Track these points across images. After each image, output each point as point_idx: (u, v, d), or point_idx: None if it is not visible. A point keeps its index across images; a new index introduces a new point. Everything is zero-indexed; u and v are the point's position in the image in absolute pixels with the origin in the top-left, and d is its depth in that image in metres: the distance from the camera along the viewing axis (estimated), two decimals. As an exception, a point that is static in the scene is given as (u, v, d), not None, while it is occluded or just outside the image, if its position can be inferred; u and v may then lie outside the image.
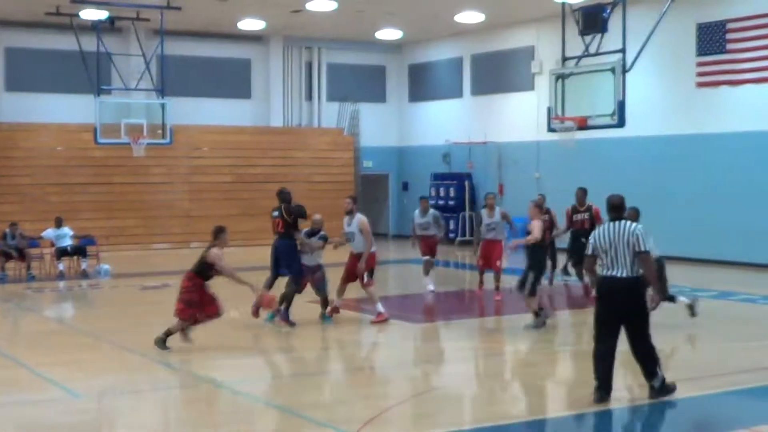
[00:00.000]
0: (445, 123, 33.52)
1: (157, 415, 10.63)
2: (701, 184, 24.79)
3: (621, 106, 17.19)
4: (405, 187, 35.46)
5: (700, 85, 24.87)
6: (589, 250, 10.66)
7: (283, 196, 16.89)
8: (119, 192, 30.20)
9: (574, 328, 16.40)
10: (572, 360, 13.72)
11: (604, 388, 10.35)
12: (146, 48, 27.33)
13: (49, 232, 23.41)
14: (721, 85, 24.44)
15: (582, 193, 20.11)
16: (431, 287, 19.90)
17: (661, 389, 10.47)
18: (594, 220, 18.84)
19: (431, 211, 20.12)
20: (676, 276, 22.02)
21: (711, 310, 17.53)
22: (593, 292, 16.78)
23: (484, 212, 19.00)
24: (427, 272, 20.01)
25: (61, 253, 23.22)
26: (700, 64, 24.85)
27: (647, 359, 10.49)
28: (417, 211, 20.02)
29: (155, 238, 30.57)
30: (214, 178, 31.61)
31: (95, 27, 25.70)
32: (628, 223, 10.60)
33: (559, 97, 18.36)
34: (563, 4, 19.54)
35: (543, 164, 29.25)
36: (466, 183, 31.87)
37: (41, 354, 13.84)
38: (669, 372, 11.34)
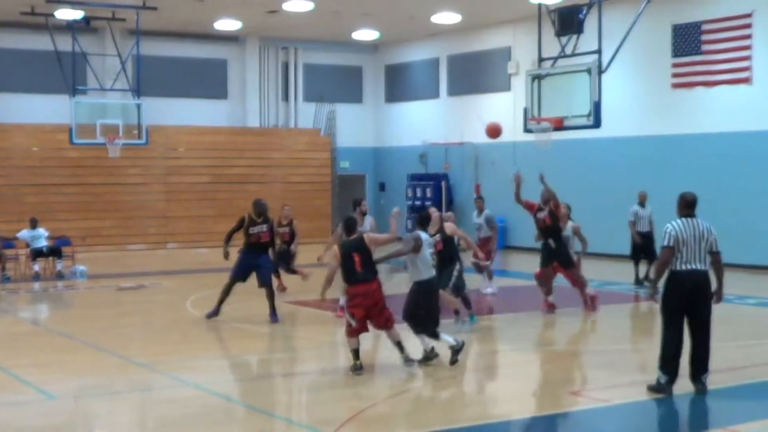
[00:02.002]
0: (421, 123, 33.56)
1: (134, 416, 10.59)
2: (676, 184, 24.65)
3: (597, 107, 17.24)
4: (382, 187, 35.48)
5: (676, 86, 25.00)
6: (670, 242, 10.79)
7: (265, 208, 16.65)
8: (95, 192, 30.08)
9: (555, 328, 16.44)
10: (551, 359, 13.75)
11: (670, 374, 10.74)
12: (122, 48, 27.26)
13: (24, 233, 23.27)
14: (696, 86, 24.58)
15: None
16: (489, 290, 19.50)
17: (706, 380, 10.90)
18: (555, 218, 18.02)
19: (485, 211, 20.09)
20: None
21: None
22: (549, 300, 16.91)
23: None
24: (480, 272, 19.69)
25: (37, 254, 23.08)
26: (675, 65, 24.97)
27: (705, 354, 10.93)
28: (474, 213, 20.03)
29: (131, 239, 30.47)
30: (190, 179, 31.53)
31: (70, 27, 25.62)
32: (702, 220, 10.99)
33: (536, 98, 18.39)
34: (539, 5, 19.60)
35: (519, 165, 29.21)
36: (443, 184, 31.91)
37: (16, 356, 13.76)
38: (647, 373, 11.39)
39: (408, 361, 12.23)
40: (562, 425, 10.10)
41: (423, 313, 12.23)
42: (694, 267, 10.75)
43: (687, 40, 24.59)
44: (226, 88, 33.43)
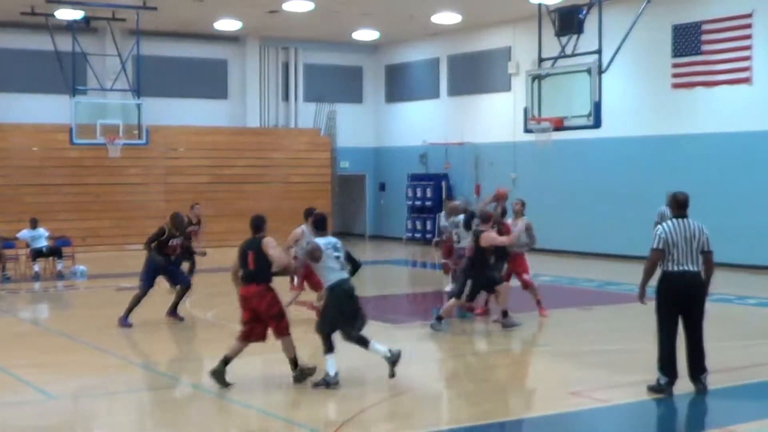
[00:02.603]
0: (421, 124, 33.55)
1: (134, 416, 10.58)
2: (676, 184, 24.63)
3: (597, 107, 17.25)
4: (382, 187, 35.47)
5: (676, 86, 25.00)
6: (659, 245, 10.84)
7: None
8: (95, 193, 30.08)
9: (554, 328, 16.44)
10: (551, 359, 13.75)
11: (669, 376, 10.79)
12: (122, 48, 27.26)
13: (25, 233, 23.26)
14: (696, 86, 24.57)
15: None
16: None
17: (706, 379, 10.90)
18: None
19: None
20: (653, 276, 22.13)
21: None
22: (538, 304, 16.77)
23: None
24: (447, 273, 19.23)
25: (37, 254, 23.08)
26: (675, 66, 24.97)
27: (700, 352, 10.99)
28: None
29: (131, 239, 30.34)
30: (190, 179, 31.52)
31: (71, 27, 25.63)
32: (694, 221, 11.03)
33: (536, 98, 18.40)
34: (539, 5, 19.60)
35: (519, 165, 29.30)
36: (443, 184, 31.90)
37: (16, 355, 13.75)
38: (647, 373, 11.39)
39: (299, 378, 11.65)
40: (562, 425, 10.09)
41: (342, 320, 11.64)
42: (685, 268, 10.80)
43: (687, 40, 24.59)
44: (227, 88, 33.42)
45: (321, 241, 11.70)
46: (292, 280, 16.54)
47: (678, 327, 10.94)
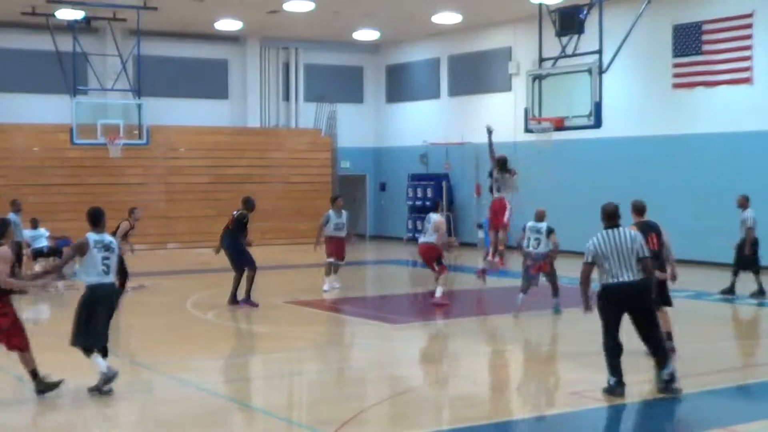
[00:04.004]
0: (422, 124, 33.55)
1: (134, 416, 10.59)
2: (677, 184, 24.90)
3: (597, 107, 17.26)
4: (382, 187, 35.47)
5: (676, 86, 24.99)
6: (588, 258, 10.82)
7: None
8: (95, 193, 30.00)
9: (554, 328, 16.45)
10: (551, 359, 13.76)
11: (619, 379, 10.75)
12: (123, 48, 27.27)
13: (25, 233, 23.23)
14: (696, 86, 24.57)
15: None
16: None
17: (672, 378, 10.78)
18: None
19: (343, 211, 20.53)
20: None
21: (686, 311, 17.63)
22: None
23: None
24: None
25: (37, 254, 23.07)
26: (676, 66, 24.97)
27: (661, 351, 10.90)
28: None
29: (133, 239, 30.40)
30: (190, 179, 31.52)
31: (71, 27, 25.64)
32: (626, 229, 10.94)
33: (536, 98, 18.41)
34: (540, 5, 19.61)
35: (520, 165, 29.20)
36: (444, 184, 31.90)
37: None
38: (647, 373, 11.39)
39: (41, 390, 10.96)
40: (562, 425, 10.09)
41: (83, 323, 11.13)
42: (621, 280, 10.67)
43: (688, 40, 24.59)
44: (227, 88, 33.42)
45: (93, 237, 11.11)
46: None
47: (619, 332, 10.90)
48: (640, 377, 11.66)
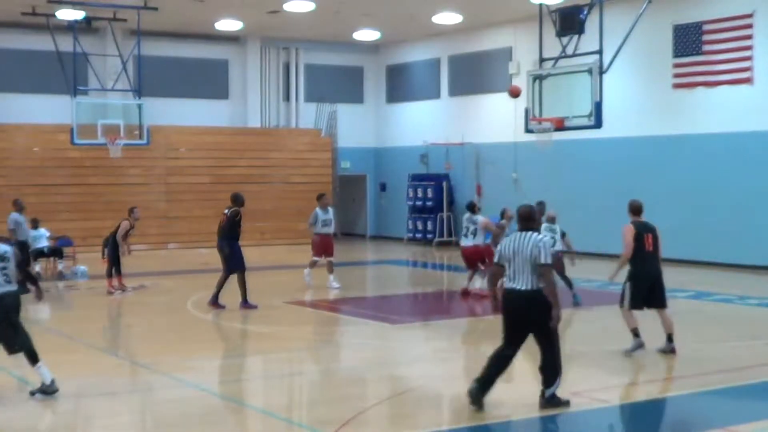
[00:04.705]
0: (422, 124, 33.55)
1: (134, 416, 10.59)
2: (677, 185, 24.91)
3: (598, 107, 17.27)
4: (383, 187, 35.47)
5: (677, 86, 24.99)
6: (495, 259, 10.43)
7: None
8: (96, 193, 30.07)
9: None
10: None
11: (481, 386, 10.21)
12: (123, 48, 27.27)
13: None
14: (697, 87, 24.56)
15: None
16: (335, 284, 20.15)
17: (551, 400, 10.27)
18: None
19: (329, 207, 20.97)
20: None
21: (687, 311, 17.64)
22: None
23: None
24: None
25: (38, 254, 23.06)
26: (676, 66, 24.96)
27: (548, 369, 10.32)
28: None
29: (132, 239, 30.39)
30: (191, 179, 31.52)
31: (72, 27, 25.62)
32: (534, 234, 10.16)
33: (537, 98, 18.43)
34: (540, 5, 19.62)
35: (520, 165, 29.32)
36: (444, 184, 31.91)
37: (16, 355, 13.74)
38: (647, 373, 11.39)
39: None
40: (562, 425, 10.09)
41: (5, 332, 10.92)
42: (512, 286, 10.11)
43: (688, 40, 24.59)
44: (227, 88, 33.42)
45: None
46: None
47: (518, 345, 10.50)
48: (639, 377, 11.66)
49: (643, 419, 10.29)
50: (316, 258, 20.46)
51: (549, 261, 9.91)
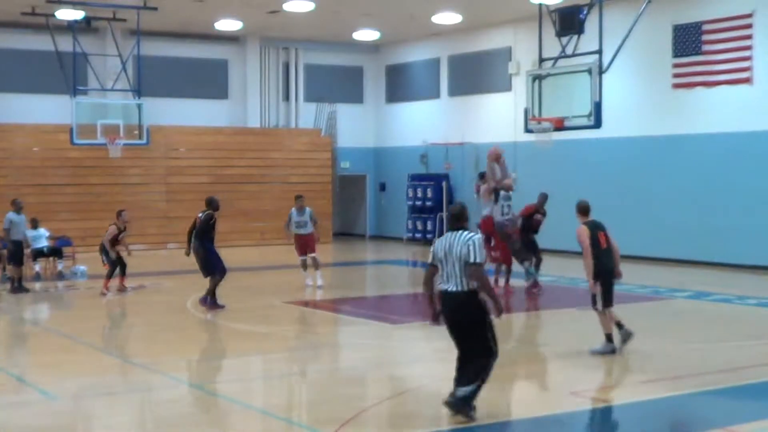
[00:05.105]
0: (422, 124, 33.55)
1: (134, 416, 10.59)
2: (677, 184, 24.91)
3: (597, 107, 17.26)
4: (382, 187, 35.47)
5: (676, 86, 24.98)
6: (429, 260, 9.94)
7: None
8: (96, 193, 30.06)
9: (554, 328, 16.45)
10: (551, 359, 13.75)
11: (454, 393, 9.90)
12: (123, 48, 27.26)
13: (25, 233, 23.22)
14: (696, 86, 24.56)
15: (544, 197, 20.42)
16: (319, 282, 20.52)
17: (460, 403, 9.77)
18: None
19: (306, 208, 20.82)
20: (653, 276, 22.16)
21: (687, 311, 17.66)
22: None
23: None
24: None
25: (37, 254, 23.08)
26: (676, 66, 24.95)
27: (470, 371, 9.86)
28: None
29: (132, 239, 30.31)
30: (191, 179, 31.51)
31: (71, 27, 25.61)
32: (465, 232, 9.77)
33: (536, 98, 18.41)
34: (540, 5, 19.62)
35: (520, 165, 29.28)
36: (444, 184, 31.91)
37: (17, 356, 13.76)
38: (647, 373, 11.39)
39: None
40: (562, 425, 10.09)
41: None
42: (445, 287, 9.73)
43: (687, 40, 24.59)
44: (227, 88, 33.42)
45: None
46: None
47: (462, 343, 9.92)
48: (638, 378, 11.67)
49: (643, 419, 10.28)
50: (302, 257, 20.53)
51: (480, 260, 9.55)
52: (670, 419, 10.43)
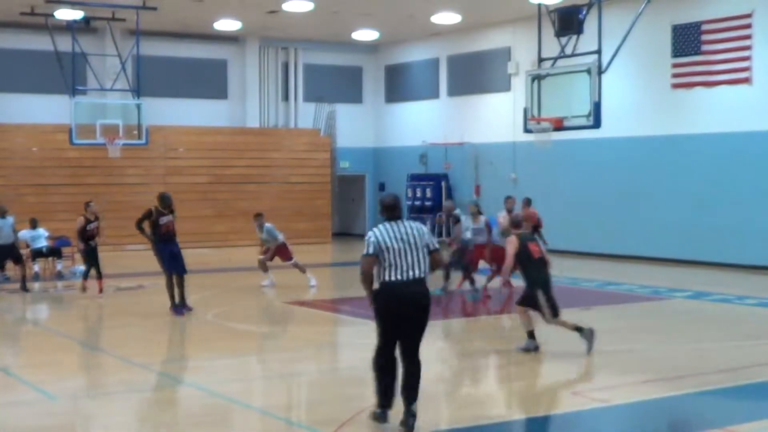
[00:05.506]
0: (421, 124, 33.55)
1: (134, 416, 10.58)
2: (676, 185, 24.91)
3: (597, 107, 17.27)
4: (382, 187, 35.46)
5: (676, 86, 24.98)
6: (370, 250, 9.26)
7: (169, 201, 17.17)
8: (94, 193, 29.86)
9: (554, 328, 16.44)
10: (551, 359, 13.75)
11: (387, 406, 9.50)
12: (122, 48, 27.26)
13: (24, 233, 23.22)
14: (696, 86, 24.56)
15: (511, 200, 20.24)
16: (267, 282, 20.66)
17: (413, 421, 9.39)
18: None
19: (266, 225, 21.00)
20: (653, 276, 22.16)
21: (686, 311, 17.66)
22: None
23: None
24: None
25: (36, 254, 23.07)
26: (675, 66, 24.95)
27: (416, 381, 9.44)
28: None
29: (131, 239, 30.33)
30: (190, 179, 31.50)
31: (70, 27, 25.61)
32: (410, 221, 9.53)
33: (536, 98, 18.42)
34: (539, 5, 19.62)
35: (519, 165, 29.31)
36: (443, 184, 31.90)
37: (16, 355, 13.76)
38: (647, 373, 11.37)
39: None
40: (562, 425, 10.09)
41: None
42: (404, 278, 9.21)
43: (687, 40, 24.58)
44: (226, 88, 33.41)
45: None
46: None
47: (392, 345, 9.43)
48: (638, 378, 11.66)
49: (643, 419, 10.28)
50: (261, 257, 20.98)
51: (438, 246, 9.52)
52: (670, 419, 10.42)
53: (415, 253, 9.27)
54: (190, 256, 27.98)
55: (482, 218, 19.38)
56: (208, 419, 10.15)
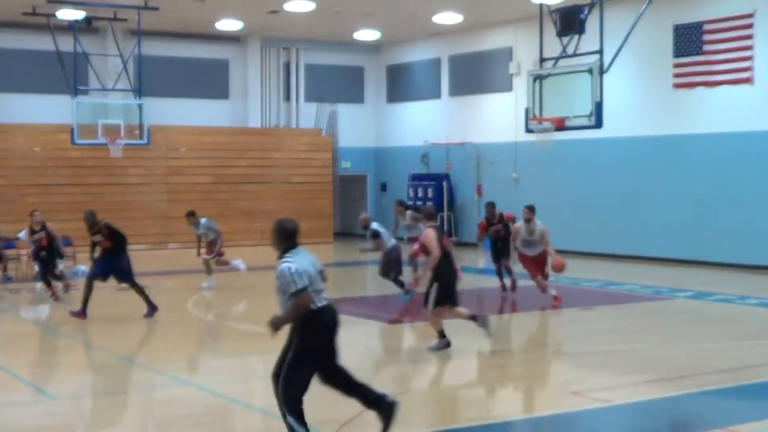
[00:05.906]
0: (423, 124, 33.54)
1: (134, 416, 10.58)
2: (677, 185, 24.90)
3: (598, 107, 17.26)
4: (383, 187, 35.47)
5: (677, 86, 24.97)
6: (306, 281, 9.06)
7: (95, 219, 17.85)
8: (96, 193, 30.04)
9: (554, 328, 16.44)
10: (551, 359, 13.75)
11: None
12: (123, 48, 27.28)
13: (24, 234, 23.19)
14: (697, 86, 24.54)
15: (492, 207, 20.16)
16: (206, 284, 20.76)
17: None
18: (508, 228, 19.22)
19: (202, 221, 21.13)
20: (654, 276, 22.15)
21: (687, 310, 17.65)
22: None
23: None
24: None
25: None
26: (676, 66, 24.94)
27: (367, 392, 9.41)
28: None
29: (132, 239, 30.11)
30: (191, 179, 31.51)
31: (72, 27, 25.62)
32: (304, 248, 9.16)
33: (537, 98, 18.41)
34: (541, 5, 19.61)
35: (521, 165, 29.31)
36: (445, 184, 31.89)
37: (17, 355, 13.75)
38: (647, 373, 11.36)
39: None
40: (562, 425, 10.08)
41: None
42: (326, 303, 9.21)
43: (688, 40, 24.57)
44: (228, 88, 33.42)
45: None
46: None
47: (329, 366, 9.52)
48: (638, 378, 11.65)
49: (643, 419, 10.27)
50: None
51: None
52: (670, 419, 10.42)
53: (320, 281, 9.15)
54: (190, 255, 28.04)
55: (537, 225, 18.19)
56: (209, 419, 10.15)
